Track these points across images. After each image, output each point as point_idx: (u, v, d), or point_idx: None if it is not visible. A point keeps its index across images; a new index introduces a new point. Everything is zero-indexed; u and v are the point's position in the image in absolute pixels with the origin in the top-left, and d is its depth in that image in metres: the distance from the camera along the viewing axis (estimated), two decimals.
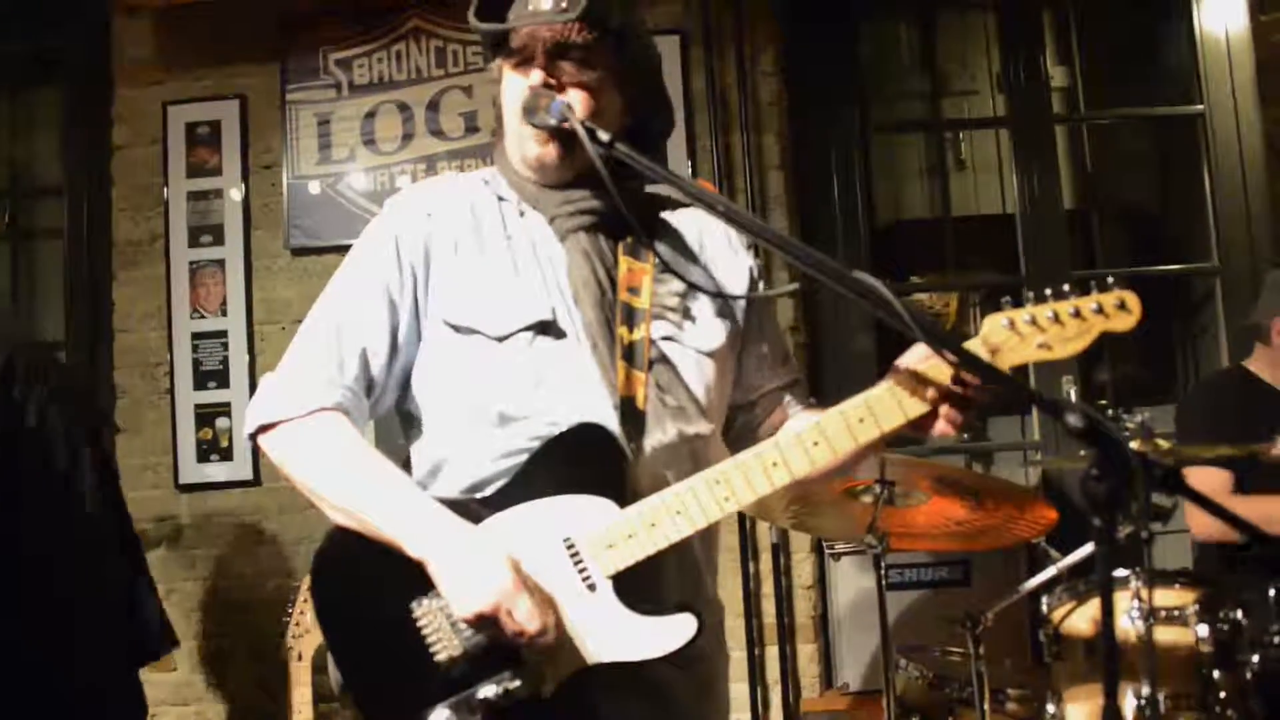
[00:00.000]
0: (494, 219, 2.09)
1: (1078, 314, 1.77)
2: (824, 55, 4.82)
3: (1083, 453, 1.98)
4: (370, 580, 1.93)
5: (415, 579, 1.86)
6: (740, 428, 2.20)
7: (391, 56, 4.60)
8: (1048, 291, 1.80)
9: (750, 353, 2.19)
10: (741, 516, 4.32)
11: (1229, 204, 4.79)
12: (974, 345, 1.79)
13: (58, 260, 4.91)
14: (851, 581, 4.23)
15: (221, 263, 4.63)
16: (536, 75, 2.00)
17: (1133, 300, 1.77)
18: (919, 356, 1.85)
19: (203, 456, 4.53)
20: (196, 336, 4.60)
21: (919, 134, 5.84)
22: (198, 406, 4.54)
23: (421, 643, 1.87)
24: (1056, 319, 1.78)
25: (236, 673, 4.50)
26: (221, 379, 4.54)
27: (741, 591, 4.36)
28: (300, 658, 3.37)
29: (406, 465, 2.10)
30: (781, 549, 4.40)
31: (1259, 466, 3.64)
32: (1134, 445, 2.91)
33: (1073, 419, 1.48)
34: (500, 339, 1.98)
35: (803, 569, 4.43)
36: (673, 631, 1.89)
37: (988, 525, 3.27)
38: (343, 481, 1.95)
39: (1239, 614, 2.94)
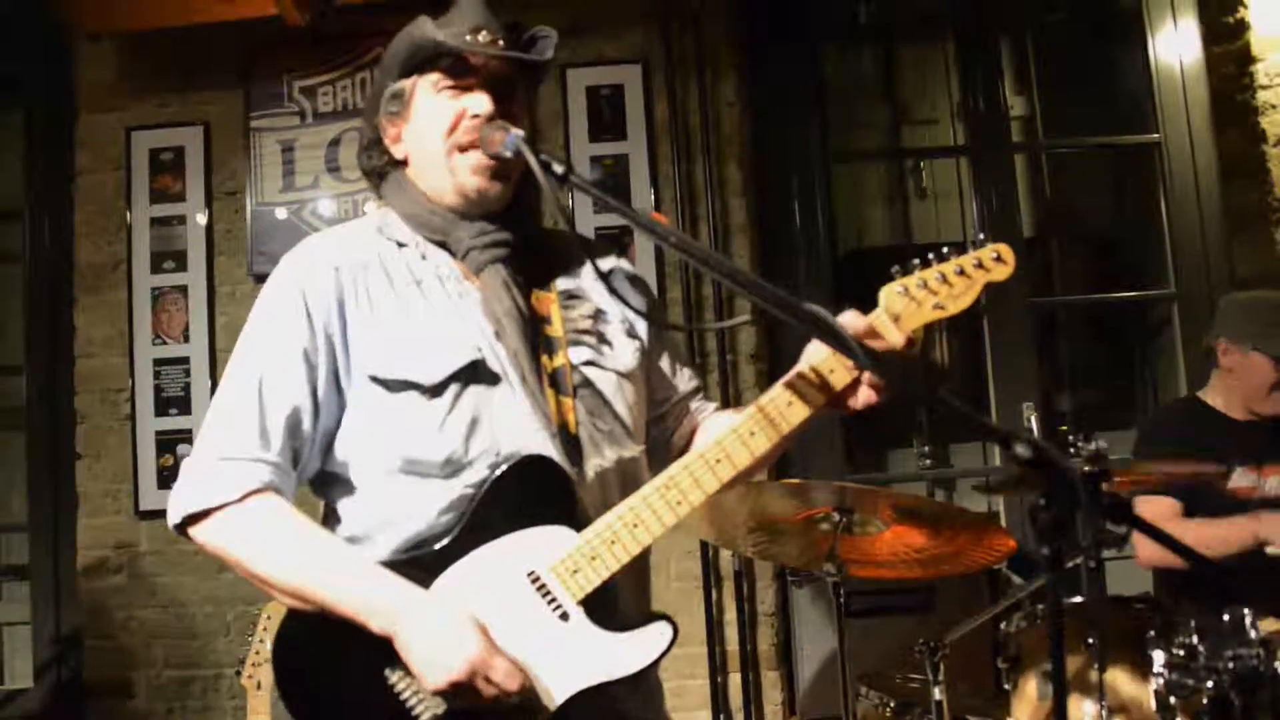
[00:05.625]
0: (399, 266, 2.06)
1: (962, 272, 1.94)
2: (786, 84, 4.86)
3: None
4: (338, 654, 1.89)
5: (385, 644, 1.84)
6: (654, 441, 2.22)
7: (355, 84, 4.61)
8: (930, 256, 1.95)
9: (654, 367, 2.23)
10: (704, 545, 4.33)
11: (1185, 230, 4.85)
12: (878, 316, 1.92)
13: (18, 284, 4.88)
14: (814, 609, 4.23)
15: (184, 289, 4.61)
16: (486, 103, 2.01)
17: (1007, 252, 1.96)
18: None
19: (164, 483, 4.48)
20: (158, 362, 4.57)
21: (880, 162, 5.89)
22: (159, 433, 4.52)
23: (402, 707, 1.84)
24: (944, 279, 1.94)
25: (196, 701, 4.46)
26: (183, 406, 4.51)
27: (704, 619, 4.36)
28: (260, 686, 3.34)
29: (323, 523, 2.06)
30: (744, 576, 4.41)
31: (1203, 494, 3.68)
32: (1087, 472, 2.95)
33: (1020, 449, 1.50)
34: (433, 386, 1.95)
35: (765, 596, 4.43)
36: (652, 641, 1.92)
37: (947, 552, 3.26)
38: (291, 565, 1.90)
39: (1194, 639, 2.96)
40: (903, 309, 1.92)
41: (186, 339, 4.58)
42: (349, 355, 2.00)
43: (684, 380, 2.28)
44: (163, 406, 4.55)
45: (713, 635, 4.37)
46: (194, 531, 1.95)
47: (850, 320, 1.89)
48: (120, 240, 4.66)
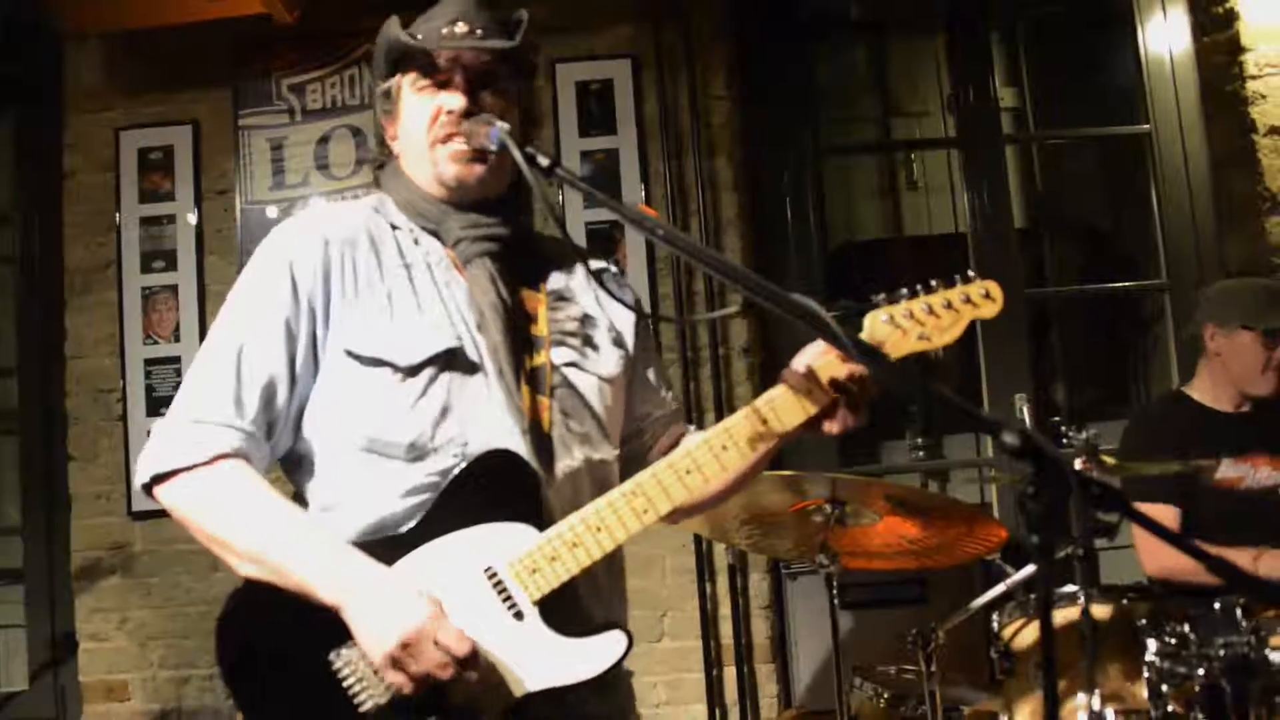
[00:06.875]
0: (390, 246, 2.06)
1: (950, 305, 1.94)
2: (776, 78, 4.86)
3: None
4: (282, 637, 1.86)
5: (329, 629, 1.81)
6: (630, 455, 2.20)
7: (344, 81, 4.60)
8: (918, 287, 1.95)
9: (637, 380, 2.22)
10: (698, 538, 4.33)
11: (1176, 221, 4.86)
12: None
13: (9, 286, 4.87)
14: (808, 601, 4.23)
15: (174, 288, 4.59)
16: (459, 100, 2.00)
17: (995, 290, 1.98)
18: (813, 354, 1.94)
19: None
20: (149, 363, 4.56)
21: (871, 155, 5.89)
22: (151, 434, 4.49)
23: (344, 695, 1.81)
24: (932, 311, 1.94)
25: (192, 701, 4.46)
26: None
27: (699, 613, 4.36)
28: None
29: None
30: (738, 569, 4.40)
31: (1203, 502, 3.67)
32: (1078, 462, 2.96)
33: (1009, 438, 1.50)
34: (408, 369, 1.94)
35: (760, 589, 4.43)
36: (604, 650, 1.89)
37: (940, 543, 3.28)
38: (249, 530, 1.88)
39: (1186, 628, 2.97)
40: (886, 337, 1.92)
41: (177, 339, 4.56)
42: (329, 328, 1.99)
43: (667, 401, 2.28)
44: (154, 406, 4.53)
45: (707, 629, 4.36)
46: (159, 491, 1.93)
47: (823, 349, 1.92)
48: (110, 241, 4.64)
